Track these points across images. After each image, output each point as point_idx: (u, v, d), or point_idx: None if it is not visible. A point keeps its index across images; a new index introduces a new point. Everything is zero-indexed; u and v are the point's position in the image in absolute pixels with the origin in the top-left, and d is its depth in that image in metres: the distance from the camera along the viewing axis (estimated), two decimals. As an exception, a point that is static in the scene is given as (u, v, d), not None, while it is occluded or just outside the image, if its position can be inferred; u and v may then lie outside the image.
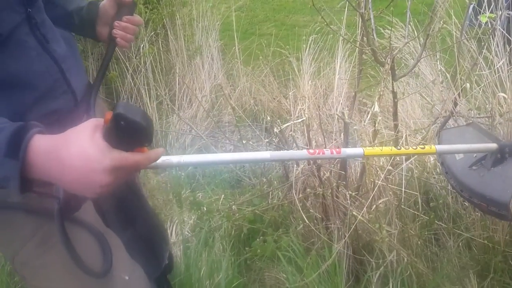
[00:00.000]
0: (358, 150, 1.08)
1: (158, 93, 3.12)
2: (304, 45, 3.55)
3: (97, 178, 0.63)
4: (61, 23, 1.02)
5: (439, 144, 1.49)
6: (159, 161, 1.04)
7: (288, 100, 3.29)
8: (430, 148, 1.15)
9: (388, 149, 1.11)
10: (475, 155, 1.30)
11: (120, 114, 0.61)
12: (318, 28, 3.97)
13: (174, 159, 1.00)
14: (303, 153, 1.01)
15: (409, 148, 1.17)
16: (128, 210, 1.12)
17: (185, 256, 1.66)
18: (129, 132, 0.63)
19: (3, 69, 0.78)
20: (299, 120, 2.19)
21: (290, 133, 2.01)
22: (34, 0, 0.82)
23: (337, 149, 0.98)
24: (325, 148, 1.12)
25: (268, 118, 2.44)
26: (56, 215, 0.76)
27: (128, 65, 3.04)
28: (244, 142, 2.01)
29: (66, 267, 0.82)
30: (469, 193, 1.28)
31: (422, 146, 1.17)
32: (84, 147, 0.63)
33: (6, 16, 0.76)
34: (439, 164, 1.45)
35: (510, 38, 1.93)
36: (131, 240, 1.05)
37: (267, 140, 1.97)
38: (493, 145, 1.24)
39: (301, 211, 1.65)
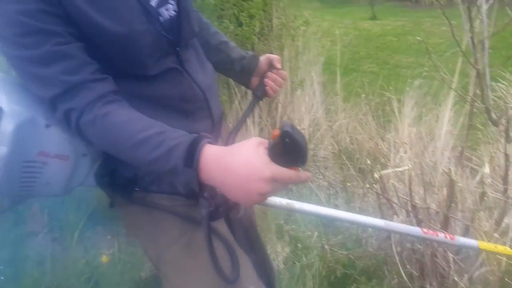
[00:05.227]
0: (472, 242, 1.11)
1: (261, 120, 3.26)
2: (407, 88, 3.52)
3: (257, 186, 0.72)
4: (221, 67, 1.20)
5: None
6: (284, 202, 1.13)
7: (385, 142, 3.27)
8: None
9: (502, 248, 1.14)
10: None
11: (287, 132, 0.70)
12: (425, 73, 3.92)
13: (297, 205, 1.09)
14: (417, 230, 1.05)
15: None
16: (251, 238, 1.21)
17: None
18: (291, 149, 0.71)
19: (162, 91, 0.93)
20: (401, 169, 2.18)
21: (391, 181, 2.01)
22: (181, 42, 0.96)
23: (451, 236, 1.01)
24: (440, 232, 1.11)
25: (368, 161, 2.45)
26: (205, 218, 0.84)
27: (237, 91, 3.23)
28: (343, 185, 2.04)
29: (204, 270, 0.91)
30: None
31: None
32: (248, 157, 0.72)
33: (160, 56, 0.91)
34: None
35: None
36: (255, 265, 1.13)
37: (368, 185, 1.99)
38: None
39: (399, 264, 1.64)
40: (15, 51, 0.78)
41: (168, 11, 0.92)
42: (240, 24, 3.64)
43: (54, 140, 0.85)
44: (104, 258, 2.11)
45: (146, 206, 0.96)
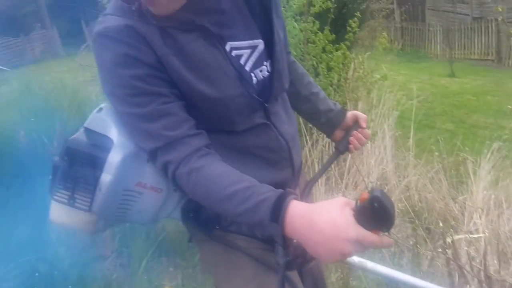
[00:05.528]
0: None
1: (329, 169, 3.25)
2: (485, 150, 3.37)
3: (340, 245, 0.73)
4: (307, 115, 1.25)
5: None
6: (357, 260, 1.13)
7: (457, 204, 3.12)
8: None
9: None
10: None
11: (377, 197, 0.71)
12: (506, 136, 3.74)
13: (370, 264, 1.09)
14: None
15: None
16: None
17: None
18: (378, 214, 0.72)
19: (249, 143, 0.99)
20: (477, 236, 2.08)
21: (465, 248, 1.92)
22: (270, 99, 1.01)
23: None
24: None
25: (439, 223, 2.37)
26: (281, 267, 0.88)
27: (308, 139, 3.27)
28: (412, 246, 1.98)
29: None
30: None
31: None
32: (334, 217, 0.75)
33: (249, 113, 0.97)
34: None
35: None
36: None
37: (440, 250, 1.91)
38: None
39: None
40: (125, 108, 0.88)
41: (262, 72, 0.99)
42: (317, 75, 3.73)
43: (151, 173, 0.94)
44: (167, 290, 2.18)
45: (224, 244, 1.01)
